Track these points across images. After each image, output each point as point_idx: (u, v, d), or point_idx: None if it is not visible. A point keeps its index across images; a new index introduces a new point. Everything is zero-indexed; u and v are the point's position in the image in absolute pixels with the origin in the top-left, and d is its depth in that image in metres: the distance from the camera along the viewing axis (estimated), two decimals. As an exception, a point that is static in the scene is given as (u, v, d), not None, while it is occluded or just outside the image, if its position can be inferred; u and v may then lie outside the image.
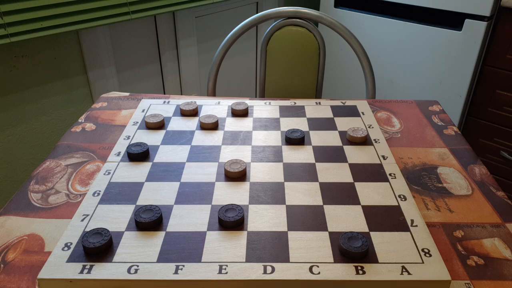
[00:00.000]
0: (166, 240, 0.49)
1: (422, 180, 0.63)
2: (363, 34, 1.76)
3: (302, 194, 0.57)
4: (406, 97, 1.76)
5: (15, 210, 0.57)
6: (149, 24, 1.54)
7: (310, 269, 0.45)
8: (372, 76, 1.09)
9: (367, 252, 0.47)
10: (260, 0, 1.86)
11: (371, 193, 0.57)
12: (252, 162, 0.64)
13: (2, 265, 0.48)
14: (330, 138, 0.70)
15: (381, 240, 0.49)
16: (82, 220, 0.52)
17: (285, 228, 0.51)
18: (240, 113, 0.77)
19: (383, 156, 0.65)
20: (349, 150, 0.67)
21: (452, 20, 1.53)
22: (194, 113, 0.78)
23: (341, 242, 0.47)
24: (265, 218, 0.52)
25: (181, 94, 1.74)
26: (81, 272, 0.44)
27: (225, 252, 0.47)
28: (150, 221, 0.50)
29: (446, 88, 1.63)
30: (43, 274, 0.44)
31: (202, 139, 0.70)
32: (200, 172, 0.61)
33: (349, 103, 0.81)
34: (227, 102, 0.82)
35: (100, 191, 0.57)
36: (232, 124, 0.74)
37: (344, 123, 0.74)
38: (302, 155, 0.65)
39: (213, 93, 1.17)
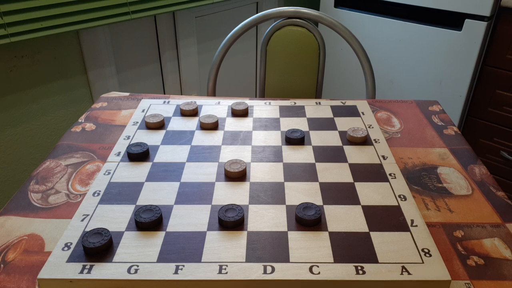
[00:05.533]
0: (166, 240, 0.49)
1: (422, 180, 0.63)
2: (363, 34, 1.76)
3: (302, 194, 0.57)
4: (406, 97, 1.76)
5: (15, 210, 0.57)
6: (149, 24, 1.54)
7: (310, 269, 0.45)
8: (372, 76, 1.09)
9: (319, 220, 0.51)
10: (260, 0, 1.86)
11: (371, 193, 0.57)
12: (252, 162, 0.64)
13: (2, 265, 0.48)
14: (330, 138, 0.70)
15: (381, 240, 0.49)
16: (82, 220, 0.52)
17: (285, 228, 0.51)
18: (240, 113, 0.77)
19: (383, 156, 0.65)
20: (349, 150, 0.67)
21: (452, 20, 1.53)
22: (194, 113, 0.78)
23: (297, 211, 0.52)
24: (265, 218, 0.52)
25: (181, 94, 1.74)
26: (81, 272, 0.44)
27: (225, 252, 0.47)
28: (150, 221, 0.50)
29: (446, 88, 1.63)
30: (43, 274, 0.44)
31: (202, 139, 0.70)
32: (200, 172, 0.61)
33: (349, 103, 0.81)
34: (227, 102, 0.82)
35: (100, 191, 0.57)
36: (232, 124, 0.74)
37: (344, 123, 0.74)
38: (302, 155, 0.65)
39: (213, 93, 1.17)
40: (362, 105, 0.80)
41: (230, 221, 0.50)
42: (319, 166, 0.63)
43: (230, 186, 0.58)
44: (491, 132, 1.62)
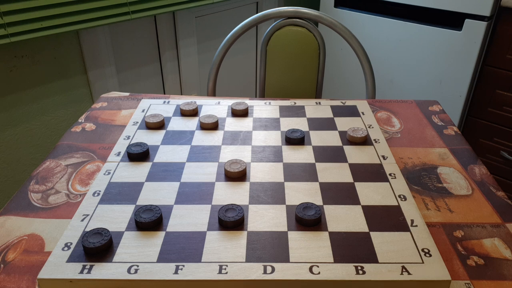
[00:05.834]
0: (166, 240, 0.49)
1: (422, 180, 0.63)
2: (363, 34, 1.76)
3: (302, 194, 0.57)
4: (406, 97, 1.76)
5: (15, 210, 0.57)
6: (149, 24, 1.54)
7: (310, 269, 0.45)
8: (372, 76, 1.09)
9: (319, 220, 0.51)
10: (260, 0, 1.86)
11: (371, 193, 0.57)
12: (252, 162, 0.64)
13: (2, 265, 0.48)
14: (330, 138, 0.70)
15: (381, 240, 0.49)
16: (82, 220, 0.52)
17: (285, 228, 0.51)
18: (240, 113, 0.77)
19: (383, 156, 0.65)
20: (349, 150, 0.67)
21: (452, 20, 1.53)
22: (194, 113, 0.78)
23: (297, 211, 0.52)
24: (265, 218, 0.52)
25: (181, 94, 1.74)
26: (81, 272, 0.44)
27: (225, 252, 0.47)
28: (150, 221, 0.50)
29: (446, 88, 1.63)
30: (43, 274, 0.44)
31: (202, 139, 0.70)
32: (200, 172, 0.61)
33: (349, 103, 0.81)
34: (227, 102, 0.82)
35: (100, 191, 0.57)
36: (232, 124, 0.74)
37: (344, 123, 0.74)
38: (302, 155, 0.65)
39: (213, 93, 1.17)
40: (362, 105, 0.80)
41: (230, 221, 0.50)
42: (319, 166, 0.63)
43: (230, 186, 0.58)
44: (491, 132, 1.62)
